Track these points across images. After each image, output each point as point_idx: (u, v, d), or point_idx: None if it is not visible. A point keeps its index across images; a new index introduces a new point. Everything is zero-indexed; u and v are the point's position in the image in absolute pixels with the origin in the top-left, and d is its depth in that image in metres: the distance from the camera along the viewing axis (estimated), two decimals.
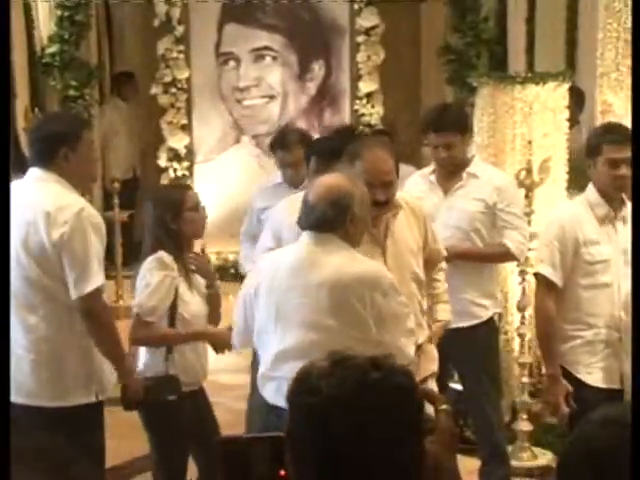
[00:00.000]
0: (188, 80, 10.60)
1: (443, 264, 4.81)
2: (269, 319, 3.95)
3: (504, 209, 5.46)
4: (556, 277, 4.77)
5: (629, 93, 5.90)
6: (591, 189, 4.85)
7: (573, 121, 6.71)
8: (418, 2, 10.89)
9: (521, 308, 5.90)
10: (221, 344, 4.69)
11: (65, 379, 4.33)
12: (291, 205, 5.73)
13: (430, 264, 4.63)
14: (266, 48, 10.67)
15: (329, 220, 3.94)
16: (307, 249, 3.97)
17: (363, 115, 10.41)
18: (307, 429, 1.81)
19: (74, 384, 4.34)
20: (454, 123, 5.38)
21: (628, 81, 5.92)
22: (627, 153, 4.65)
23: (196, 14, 10.57)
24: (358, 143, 4.45)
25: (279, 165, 6.17)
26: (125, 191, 10.36)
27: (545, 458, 6.00)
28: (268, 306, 3.95)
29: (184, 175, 10.68)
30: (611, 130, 4.87)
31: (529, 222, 5.73)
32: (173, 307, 4.64)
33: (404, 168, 7.48)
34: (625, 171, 4.68)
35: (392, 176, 4.35)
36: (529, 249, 5.66)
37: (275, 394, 3.88)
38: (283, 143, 6.11)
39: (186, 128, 10.66)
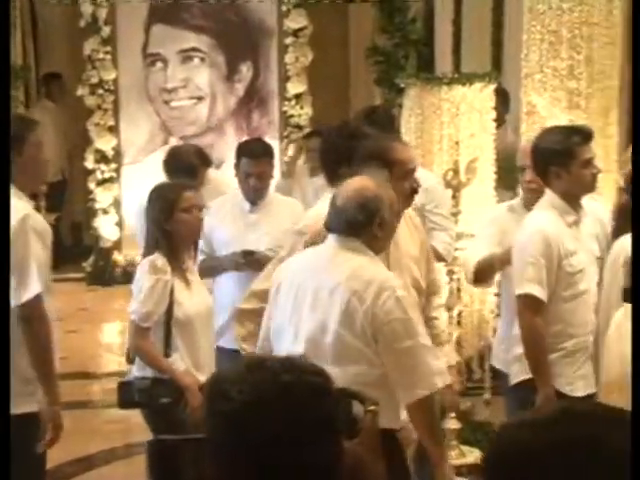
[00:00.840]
0: (115, 81, 10.52)
1: (440, 300, 4.75)
2: (284, 318, 3.93)
3: (432, 210, 5.48)
4: (544, 295, 4.61)
5: (553, 94, 5.99)
6: (553, 196, 4.70)
7: (500, 121, 6.78)
8: (346, 4, 10.93)
9: (449, 307, 5.95)
10: (192, 403, 4.60)
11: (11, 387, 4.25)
12: (220, 208, 5.73)
13: (427, 295, 4.56)
14: (193, 49, 10.63)
15: (358, 223, 3.88)
16: (329, 252, 3.94)
17: (292, 116, 10.42)
18: (223, 436, 1.80)
19: (20, 392, 4.27)
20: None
21: (552, 82, 6.00)
22: (593, 151, 4.70)
23: (123, 15, 10.50)
24: (375, 140, 4.44)
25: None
26: (53, 193, 10.27)
27: (473, 456, 6.05)
28: (285, 305, 3.93)
29: (111, 177, 10.60)
30: (575, 132, 4.79)
31: (456, 222, 5.78)
32: (168, 310, 4.62)
33: None
34: (597, 169, 4.72)
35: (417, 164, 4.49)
36: (456, 249, 5.71)
37: None
38: (187, 168, 5.96)
39: (113, 130, 10.58)
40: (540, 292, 4.60)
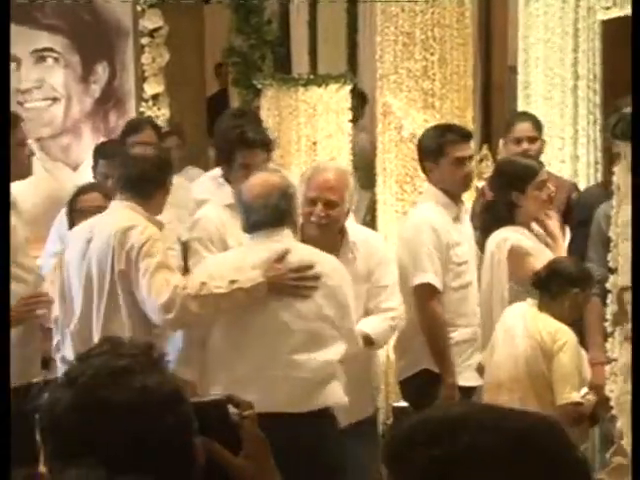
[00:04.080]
0: None
1: None
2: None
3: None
4: (440, 284, 4.68)
5: (408, 94, 6.09)
6: (434, 191, 4.86)
7: (356, 122, 6.87)
8: (201, 4, 10.90)
9: None
10: None
11: None
12: None
13: None
14: (47, 49, 10.44)
15: (284, 212, 4.02)
16: (266, 248, 4.04)
17: (149, 117, 10.33)
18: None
19: None
20: None
21: (407, 83, 6.10)
22: (470, 151, 4.85)
23: None
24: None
25: None
26: None
27: None
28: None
29: None
30: (449, 130, 4.95)
31: None
32: None
33: (193, 171, 7.52)
34: (470, 168, 4.85)
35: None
36: None
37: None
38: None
39: None
40: (437, 281, 4.69)
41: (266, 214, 4.00)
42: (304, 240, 4.48)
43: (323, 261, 4.08)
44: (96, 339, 4.37)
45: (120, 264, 4.40)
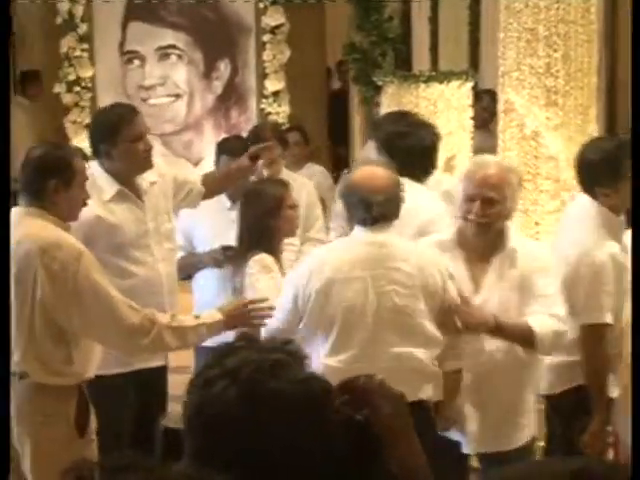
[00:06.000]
0: (92, 79, 10.50)
1: None
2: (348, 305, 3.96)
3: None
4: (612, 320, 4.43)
5: (531, 92, 6.02)
6: (609, 216, 4.44)
7: (488, 121, 6.84)
8: (323, 1, 10.95)
9: None
10: None
11: None
12: (201, 204, 5.71)
13: None
14: (171, 47, 10.62)
15: (400, 205, 4.00)
16: (390, 240, 4.00)
17: (270, 114, 10.43)
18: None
19: None
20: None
21: (529, 80, 6.03)
22: None
23: (99, 12, 10.48)
24: None
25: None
26: None
27: None
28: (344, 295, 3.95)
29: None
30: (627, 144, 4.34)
31: None
32: None
33: (314, 167, 7.55)
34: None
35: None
36: None
37: None
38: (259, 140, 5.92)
39: None
40: (611, 319, 4.42)
41: (389, 207, 3.97)
42: (461, 240, 4.24)
43: (418, 255, 4.00)
44: None
45: (44, 287, 3.82)
